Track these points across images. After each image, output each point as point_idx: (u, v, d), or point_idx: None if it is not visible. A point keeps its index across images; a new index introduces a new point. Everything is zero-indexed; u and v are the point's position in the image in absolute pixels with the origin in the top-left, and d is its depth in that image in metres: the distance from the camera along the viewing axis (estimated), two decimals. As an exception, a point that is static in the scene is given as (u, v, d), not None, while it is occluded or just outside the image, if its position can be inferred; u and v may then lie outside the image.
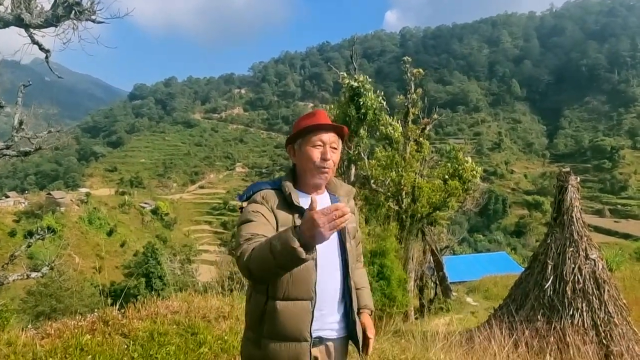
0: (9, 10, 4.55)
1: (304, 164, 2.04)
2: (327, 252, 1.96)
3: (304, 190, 2.06)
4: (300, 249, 1.55)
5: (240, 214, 1.97)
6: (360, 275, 2.29)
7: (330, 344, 2.00)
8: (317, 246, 1.81)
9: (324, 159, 1.99)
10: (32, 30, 4.72)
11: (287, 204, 1.97)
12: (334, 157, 2.03)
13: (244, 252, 1.71)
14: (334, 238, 1.97)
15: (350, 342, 2.11)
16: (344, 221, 1.50)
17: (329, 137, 2.02)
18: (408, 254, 14.41)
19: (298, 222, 1.90)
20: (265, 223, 1.87)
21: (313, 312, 1.88)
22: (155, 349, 3.66)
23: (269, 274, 1.71)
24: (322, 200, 2.06)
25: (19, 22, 4.20)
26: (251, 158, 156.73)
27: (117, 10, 4.28)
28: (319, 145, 2.01)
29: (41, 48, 5.21)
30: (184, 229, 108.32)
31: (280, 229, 1.87)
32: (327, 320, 1.97)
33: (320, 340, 1.96)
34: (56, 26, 4.35)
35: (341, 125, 2.07)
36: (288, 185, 2.00)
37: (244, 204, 2.01)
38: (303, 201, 1.99)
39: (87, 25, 4.90)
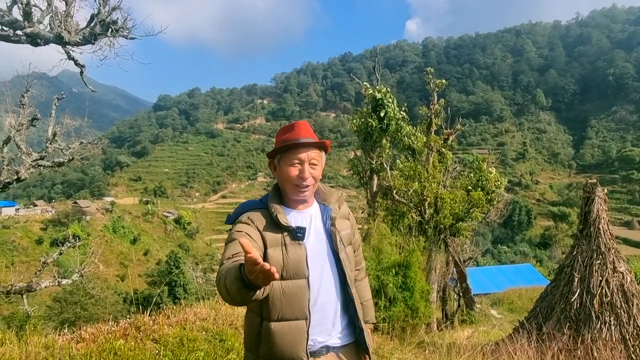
0: (48, 29, 4.78)
1: (282, 182, 2.02)
2: (321, 268, 1.96)
3: (290, 205, 2.03)
4: (244, 291, 1.52)
5: (228, 234, 1.94)
6: (363, 288, 2.27)
7: (338, 352, 1.99)
8: (310, 264, 1.89)
9: (301, 177, 1.96)
10: (69, 47, 4.94)
11: (275, 224, 1.92)
12: (314, 173, 1.99)
13: (218, 275, 1.69)
14: (325, 251, 2.00)
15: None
16: (268, 277, 1.39)
17: (308, 153, 1.97)
18: (431, 265, 14.31)
19: (288, 241, 1.89)
20: (250, 240, 1.81)
21: (308, 331, 1.86)
22: (185, 354, 3.77)
23: (232, 304, 1.70)
24: (312, 212, 2.06)
25: (59, 40, 4.42)
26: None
27: (151, 27, 4.47)
28: (297, 164, 1.97)
29: (77, 63, 5.44)
30: (205, 238, 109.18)
31: (270, 250, 1.87)
32: (332, 333, 1.97)
33: (328, 349, 1.96)
34: (93, 43, 4.56)
35: (320, 141, 2.00)
36: (275, 207, 1.96)
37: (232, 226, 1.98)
38: (291, 218, 1.97)
39: (119, 41, 5.12)
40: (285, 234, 1.91)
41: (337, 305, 1.99)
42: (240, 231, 1.87)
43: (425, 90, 16.58)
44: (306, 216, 2.03)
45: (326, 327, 1.95)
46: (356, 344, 2.06)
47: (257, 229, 1.91)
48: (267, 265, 1.36)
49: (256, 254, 1.38)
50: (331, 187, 2.24)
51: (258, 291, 1.55)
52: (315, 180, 2.00)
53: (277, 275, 1.40)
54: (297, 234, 1.90)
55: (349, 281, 2.00)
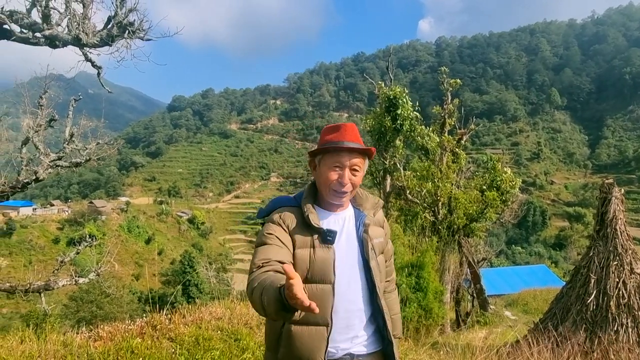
0: (66, 31, 4.86)
1: (321, 183, 1.94)
2: (349, 275, 1.89)
3: (325, 207, 1.97)
4: (283, 313, 1.47)
5: (258, 234, 1.90)
6: (393, 301, 2.17)
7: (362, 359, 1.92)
8: (337, 269, 1.82)
9: (340, 183, 1.88)
10: (86, 48, 5.01)
11: (306, 224, 1.86)
12: (355, 179, 1.91)
13: (250, 284, 1.64)
14: (355, 258, 1.93)
15: None
16: (300, 302, 1.33)
17: (351, 158, 1.89)
18: (444, 266, 14.24)
19: (317, 243, 1.84)
20: (280, 246, 1.80)
21: (328, 337, 1.79)
22: (201, 353, 3.81)
23: (272, 319, 1.67)
24: (346, 215, 1.99)
25: (77, 42, 4.49)
26: (286, 168, 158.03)
27: (167, 28, 4.52)
28: (338, 168, 1.89)
29: (94, 65, 5.52)
30: (219, 238, 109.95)
31: (297, 251, 1.83)
32: (356, 341, 1.90)
33: (352, 357, 1.90)
34: (110, 45, 4.63)
35: (365, 147, 1.91)
36: (308, 207, 1.89)
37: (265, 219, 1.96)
38: (324, 220, 1.91)
39: (135, 42, 5.18)
40: (316, 235, 1.85)
41: (364, 315, 1.91)
42: (271, 234, 1.83)
43: (439, 90, 16.52)
44: (339, 219, 1.97)
45: (350, 335, 1.88)
46: (382, 354, 1.97)
47: (287, 228, 1.86)
48: (306, 302, 1.32)
49: (298, 284, 1.34)
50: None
51: (297, 313, 1.49)
52: (354, 186, 1.93)
53: (317, 310, 1.35)
54: (327, 237, 1.83)
55: (378, 291, 1.92)
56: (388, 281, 2.17)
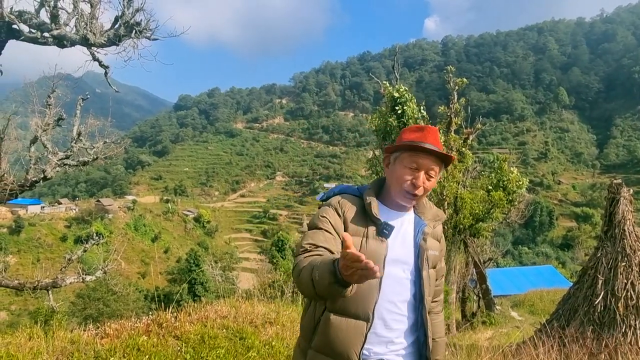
0: (74, 31, 4.89)
1: (392, 181, 1.88)
2: (397, 276, 1.82)
3: (388, 205, 1.91)
4: (335, 287, 1.44)
5: (313, 215, 1.87)
6: (438, 324, 2.05)
7: None
8: (387, 266, 1.76)
9: (413, 184, 1.82)
10: (94, 48, 5.04)
11: (364, 214, 1.82)
12: (428, 184, 1.84)
13: (297, 266, 1.63)
14: (407, 262, 1.86)
15: None
16: (368, 274, 1.30)
17: (429, 161, 1.82)
18: (450, 266, 14.21)
19: (371, 234, 1.79)
20: (330, 232, 1.76)
21: (366, 335, 1.73)
22: (206, 351, 3.83)
23: (313, 298, 1.67)
24: (407, 218, 1.93)
25: (85, 41, 4.52)
26: (291, 167, 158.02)
27: (173, 28, 4.54)
28: (414, 169, 1.82)
29: (101, 64, 5.56)
30: (224, 236, 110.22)
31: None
32: (392, 348, 1.82)
33: None
34: (117, 45, 4.67)
35: (446, 154, 1.85)
36: (370, 197, 1.85)
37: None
38: (384, 215, 1.85)
39: (142, 42, 5.21)
40: (372, 227, 1.80)
41: (405, 323, 1.84)
42: (325, 217, 1.80)
43: (445, 89, 16.45)
44: (398, 219, 1.90)
45: (386, 339, 1.80)
46: None
47: (343, 214, 1.82)
48: (371, 263, 1.28)
49: (356, 250, 1.33)
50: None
51: (348, 289, 1.46)
52: (426, 192, 1.86)
53: (379, 274, 1.32)
54: (384, 229, 1.77)
55: (425, 303, 1.85)
56: (436, 301, 2.06)
